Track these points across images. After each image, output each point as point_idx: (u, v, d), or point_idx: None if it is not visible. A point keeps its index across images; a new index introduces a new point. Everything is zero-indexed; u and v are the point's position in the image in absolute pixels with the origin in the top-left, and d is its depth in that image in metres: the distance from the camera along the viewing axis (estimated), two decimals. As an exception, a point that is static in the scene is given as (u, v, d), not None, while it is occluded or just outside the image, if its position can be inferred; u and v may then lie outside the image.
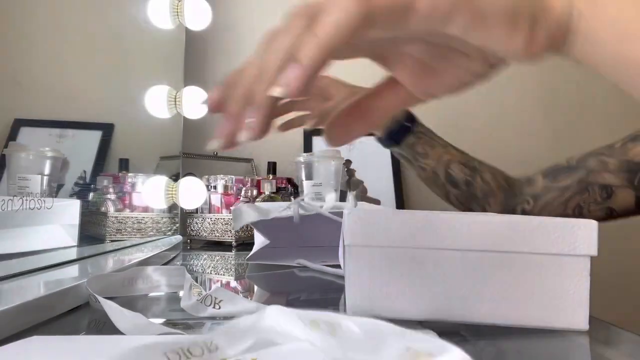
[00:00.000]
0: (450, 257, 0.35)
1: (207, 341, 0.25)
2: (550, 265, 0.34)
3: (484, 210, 0.75)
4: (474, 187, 0.75)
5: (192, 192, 0.96)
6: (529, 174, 0.75)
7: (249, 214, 0.66)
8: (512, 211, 0.73)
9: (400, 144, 0.78)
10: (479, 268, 0.34)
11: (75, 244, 0.72)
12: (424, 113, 1.36)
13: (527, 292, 0.35)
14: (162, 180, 0.94)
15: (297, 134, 1.33)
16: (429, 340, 0.25)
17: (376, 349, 0.25)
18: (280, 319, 0.27)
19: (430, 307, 0.35)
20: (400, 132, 0.77)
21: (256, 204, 0.69)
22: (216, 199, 1.01)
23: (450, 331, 0.24)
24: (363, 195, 1.11)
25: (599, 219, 0.35)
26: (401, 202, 1.27)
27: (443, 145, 0.79)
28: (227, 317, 0.36)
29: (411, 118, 0.79)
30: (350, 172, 1.14)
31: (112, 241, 0.86)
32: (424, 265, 0.35)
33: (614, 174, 0.64)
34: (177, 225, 0.96)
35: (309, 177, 0.99)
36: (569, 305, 0.35)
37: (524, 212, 0.71)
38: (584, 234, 0.34)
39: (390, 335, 0.26)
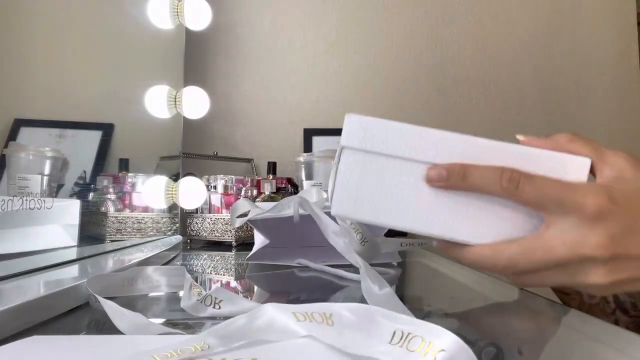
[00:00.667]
0: None
1: (200, 341, 0.25)
2: None
3: None
4: None
5: (192, 192, 0.96)
6: None
7: (244, 205, 0.66)
8: None
9: None
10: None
11: (75, 244, 0.72)
12: (425, 113, 1.37)
13: (512, 217, 0.35)
14: (162, 180, 0.94)
15: (297, 134, 1.33)
16: (421, 324, 0.25)
17: (370, 333, 0.25)
18: (276, 314, 0.27)
19: (413, 218, 0.35)
20: None
21: (256, 203, 0.69)
22: (216, 199, 1.01)
23: (450, 331, 0.24)
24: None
25: None
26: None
27: None
28: (228, 317, 0.36)
29: None
30: (350, 172, 1.14)
31: (112, 241, 0.86)
32: (414, 177, 0.35)
33: None
34: (177, 225, 0.96)
35: (309, 177, 0.99)
36: None
37: None
38: (576, 168, 0.34)
39: (382, 318, 0.26)
